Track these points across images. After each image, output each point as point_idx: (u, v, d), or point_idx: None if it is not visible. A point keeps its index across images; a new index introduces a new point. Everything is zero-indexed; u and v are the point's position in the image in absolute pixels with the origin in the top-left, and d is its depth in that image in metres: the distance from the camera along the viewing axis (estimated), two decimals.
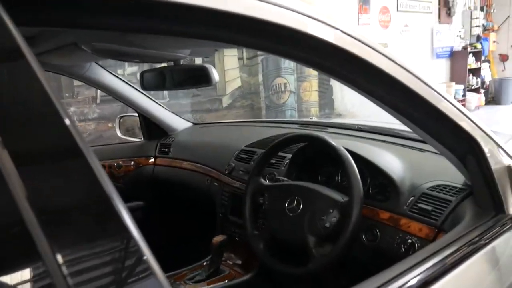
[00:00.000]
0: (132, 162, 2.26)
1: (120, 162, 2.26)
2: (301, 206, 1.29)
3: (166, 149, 2.26)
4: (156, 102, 2.30)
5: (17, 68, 0.40)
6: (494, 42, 10.05)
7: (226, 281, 1.58)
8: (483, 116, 8.67)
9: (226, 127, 2.38)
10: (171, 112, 2.41)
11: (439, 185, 1.23)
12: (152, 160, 2.30)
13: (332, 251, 1.20)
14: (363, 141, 1.63)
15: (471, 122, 1.00)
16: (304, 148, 1.52)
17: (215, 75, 1.36)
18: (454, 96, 8.62)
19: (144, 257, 0.41)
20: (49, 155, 0.41)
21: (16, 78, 0.40)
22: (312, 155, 1.54)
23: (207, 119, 4.98)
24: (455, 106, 0.98)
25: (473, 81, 9.34)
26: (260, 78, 5.41)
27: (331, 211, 1.24)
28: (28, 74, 0.39)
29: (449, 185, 1.22)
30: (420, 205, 1.21)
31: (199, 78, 1.37)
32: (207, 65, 1.37)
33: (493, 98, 10.10)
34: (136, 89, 2.18)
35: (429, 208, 1.18)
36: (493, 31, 10.03)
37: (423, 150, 1.42)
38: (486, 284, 0.93)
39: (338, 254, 1.18)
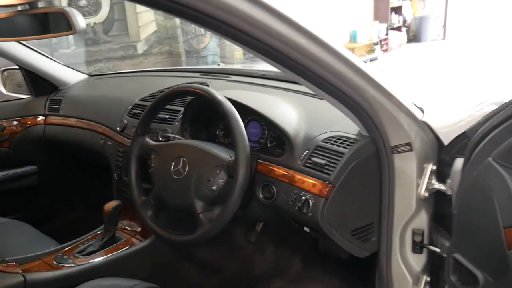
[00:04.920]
0: (16, 122, 2.00)
1: (4, 124, 1.99)
2: (187, 167, 1.17)
3: (57, 106, 2.02)
4: (41, 53, 2.01)
5: None
6: None
7: (124, 249, 1.45)
8: (405, 55, 8.95)
9: (124, 78, 2.15)
10: (61, 64, 2.14)
11: (333, 137, 1.15)
12: (41, 118, 2.05)
13: (219, 216, 1.10)
14: (262, 90, 1.51)
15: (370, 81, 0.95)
16: (192, 102, 1.38)
17: (78, 20, 1.15)
18: (378, 35, 8.76)
19: None
20: None
21: None
22: (205, 108, 1.40)
23: (121, 67, 4.63)
24: (350, 61, 0.90)
25: (395, 19, 9.51)
26: (178, 20, 5.05)
27: (218, 172, 1.13)
28: None
29: (343, 136, 1.14)
30: (314, 159, 1.13)
31: (58, 24, 1.15)
32: (67, 8, 1.14)
33: (414, 36, 10.40)
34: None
35: (323, 162, 1.10)
36: None
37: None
38: None
39: (225, 219, 1.08)
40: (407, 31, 10.20)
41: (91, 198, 1.96)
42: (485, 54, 7.86)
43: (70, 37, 4.27)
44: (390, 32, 9.21)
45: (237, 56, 5.55)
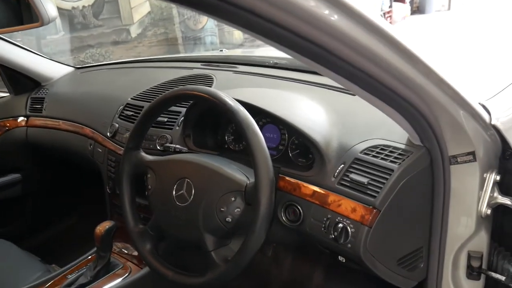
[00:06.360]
0: None
1: None
2: (193, 192, 0.93)
3: (39, 106, 1.77)
4: (17, 45, 1.75)
5: None
6: None
7: (121, 278, 1.23)
8: (410, 27, 8.62)
9: (114, 70, 1.89)
10: (42, 56, 1.88)
11: (375, 147, 0.92)
12: (22, 120, 1.80)
13: (236, 257, 0.87)
14: (276, 83, 1.26)
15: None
16: (196, 104, 1.13)
17: (48, 9, 0.90)
18: (381, 8, 8.41)
19: None
20: None
21: None
22: (211, 110, 1.16)
23: (115, 52, 4.35)
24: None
25: None
26: None
27: (233, 199, 0.89)
28: None
29: (388, 146, 0.91)
30: (352, 175, 0.89)
31: (21, 14, 0.90)
32: None
33: (418, 7, 10.05)
34: None
35: (365, 180, 0.87)
36: None
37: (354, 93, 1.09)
38: None
39: (244, 261, 0.85)
40: (411, 3, 9.85)
41: (82, 208, 1.74)
42: (492, 24, 7.56)
43: (58, 22, 3.98)
44: (394, 4, 8.88)
45: (236, 36, 5.26)
